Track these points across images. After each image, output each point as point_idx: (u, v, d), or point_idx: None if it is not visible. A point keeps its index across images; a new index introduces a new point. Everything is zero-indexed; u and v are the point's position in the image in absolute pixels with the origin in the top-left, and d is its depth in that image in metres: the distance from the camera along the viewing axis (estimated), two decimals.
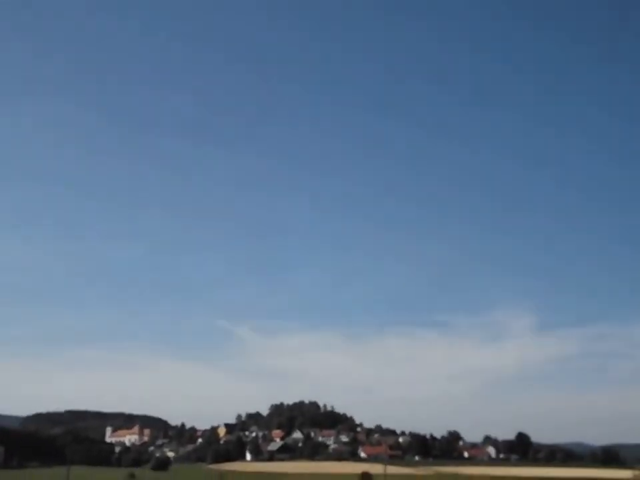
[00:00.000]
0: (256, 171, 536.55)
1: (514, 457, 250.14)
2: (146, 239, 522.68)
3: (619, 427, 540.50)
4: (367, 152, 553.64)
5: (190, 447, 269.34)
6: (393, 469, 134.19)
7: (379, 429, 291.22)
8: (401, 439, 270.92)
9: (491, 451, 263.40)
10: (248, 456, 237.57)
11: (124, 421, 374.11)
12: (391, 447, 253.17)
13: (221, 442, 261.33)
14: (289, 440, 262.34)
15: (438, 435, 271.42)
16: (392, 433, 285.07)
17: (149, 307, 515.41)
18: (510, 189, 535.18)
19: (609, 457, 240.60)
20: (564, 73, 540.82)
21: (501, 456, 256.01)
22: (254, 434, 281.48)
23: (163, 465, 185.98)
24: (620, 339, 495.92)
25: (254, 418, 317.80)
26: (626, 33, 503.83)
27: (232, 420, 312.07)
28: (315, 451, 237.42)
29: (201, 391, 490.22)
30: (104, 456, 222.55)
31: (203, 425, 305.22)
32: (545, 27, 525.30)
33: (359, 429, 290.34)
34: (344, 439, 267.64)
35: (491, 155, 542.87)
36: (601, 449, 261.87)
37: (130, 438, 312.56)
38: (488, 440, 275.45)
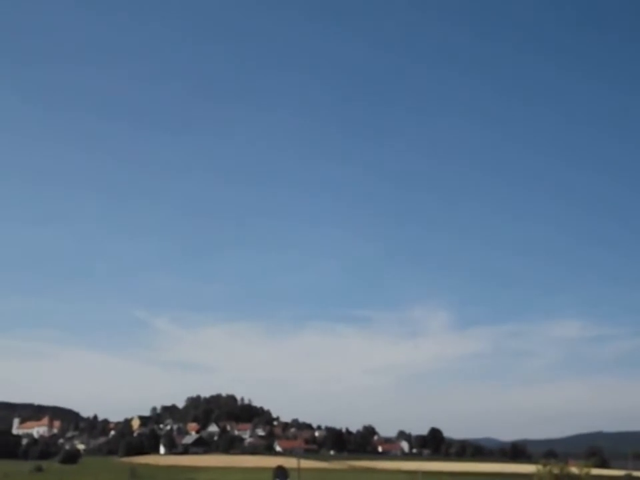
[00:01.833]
0: (184, 157, 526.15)
1: (426, 451, 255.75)
2: (62, 222, 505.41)
3: (527, 423, 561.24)
4: (300, 151, 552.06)
5: (102, 440, 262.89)
6: (307, 463, 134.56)
7: (295, 422, 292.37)
8: (317, 433, 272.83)
9: (404, 445, 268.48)
10: (162, 449, 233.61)
11: (33, 411, 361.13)
12: (306, 441, 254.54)
13: (134, 434, 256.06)
14: (204, 433, 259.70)
15: (354, 429, 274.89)
16: (308, 427, 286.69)
17: (63, 294, 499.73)
18: (431, 187, 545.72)
19: (517, 451, 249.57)
20: None
21: (414, 450, 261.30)
22: (169, 427, 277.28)
23: (72, 457, 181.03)
24: (532, 337, 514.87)
25: (169, 410, 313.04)
26: None
27: (146, 412, 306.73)
28: (230, 445, 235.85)
29: (116, 382, 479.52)
30: (10, 448, 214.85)
31: (116, 417, 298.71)
32: None
33: (275, 423, 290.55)
34: (260, 432, 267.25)
35: (416, 151, 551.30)
36: (510, 444, 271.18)
37: (39, 429, 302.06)
38: (402, 435, 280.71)
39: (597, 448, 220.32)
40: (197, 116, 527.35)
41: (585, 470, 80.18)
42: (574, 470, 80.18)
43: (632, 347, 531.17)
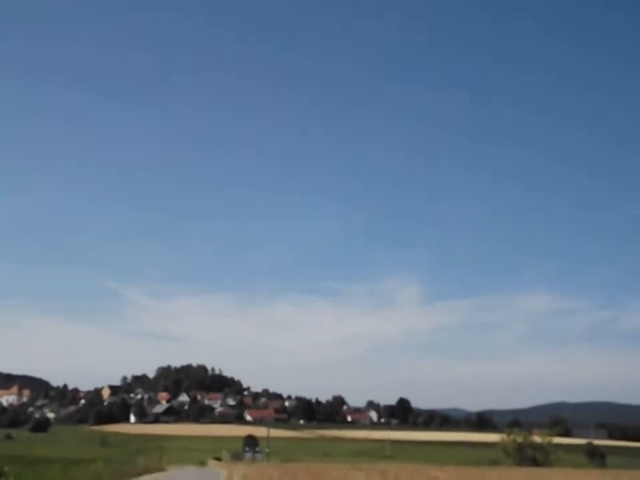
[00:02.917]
0: (154, 126, 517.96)
1: (394, 421, 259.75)
2: (31, 191, 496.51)
3: (493, 394, 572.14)
4: (274, 120, 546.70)
5: (72, 409, 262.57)
6: (276, 432, 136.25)
7: (265, 392, 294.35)
8: (287, 403, 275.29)
9: (373, 415, 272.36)
10: (132, 418, 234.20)
11: (2, 380, 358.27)
12: (276, 411, 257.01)
13: (105, 404, 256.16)
14: (174, 403, 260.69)
15: (323, 399, 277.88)
16: (278, 397, 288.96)
17: (31, 263, 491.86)
18: (399, 168, 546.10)
19: (483, 421, 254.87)
20: None
21: (382, 420, 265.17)
22: (139, 396, 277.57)
23: (42, 426, 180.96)
24: (500, 310, 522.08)
25: (140, 380, 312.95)
26: None
27: (117, 382, 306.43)
28: (200, 414, 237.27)
29: (86, 352, 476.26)
30: None
31: (86, 386, 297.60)
32: None
33: (245, 393, 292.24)
34: (230, 402, 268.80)
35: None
36: (476, 414, 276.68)
37: (7, 398, 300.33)
38: (371, 405, 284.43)
39: (560, 418, 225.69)
40: (167, 85, 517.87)
41: (548, 439, 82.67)
42: (537, 439, 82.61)
43: (596, 320, 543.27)
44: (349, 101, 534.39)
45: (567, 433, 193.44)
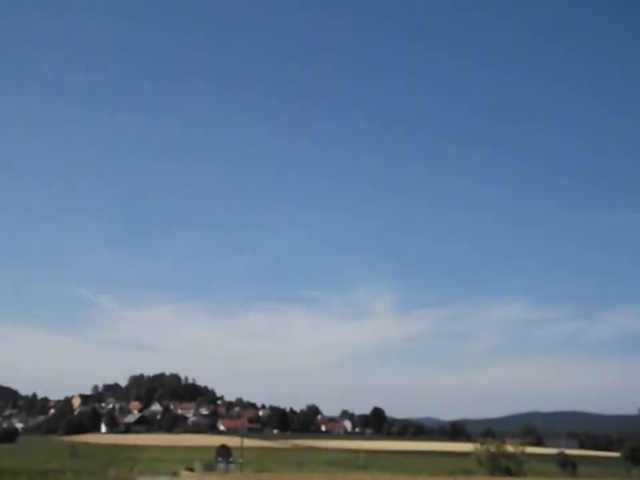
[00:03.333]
0: (121, 133, 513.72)
1: (369, 430, 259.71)
2: (4, 200, 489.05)
3: (466, 403, 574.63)
4: (245, 128, 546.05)
5: (41, 418, 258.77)
6: (250, 442, 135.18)
7: (239, 402, 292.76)
8: (261, 413, 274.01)
9: (347, 424, 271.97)
10: (103, 428, 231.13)
11: None
12: (250, 420, 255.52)
13: (75, 413, 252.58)
14: (147, 412, 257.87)
15: (298, 408, 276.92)
16: (252, 406, 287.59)
17: (2, 270, 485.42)
18: (374, 176, 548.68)
19: (457, 431, 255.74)
20: None
21: (357, 430, 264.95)
22: (110, 405, 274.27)
23: (9, 436, 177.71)
24: (473, 319, 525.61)
25: (111, 389, 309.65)
26: None
27: (88, 391, 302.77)
28: (173, 424, 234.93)
29: (56, 360, 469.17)
30: None
31: (56, 395, 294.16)
32: None
33: (219, 402, 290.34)
34: (204, 411, 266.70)
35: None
36: (450, 423, 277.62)
37: None
38: (345, 414, 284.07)
39: (532, 427, 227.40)
40: (138, 95, 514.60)
41: (521, 448, 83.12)
42: (510, 448, 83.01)
43: (567, 329, 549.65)
44: (321, 106, 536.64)
45: (539, 443, 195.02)
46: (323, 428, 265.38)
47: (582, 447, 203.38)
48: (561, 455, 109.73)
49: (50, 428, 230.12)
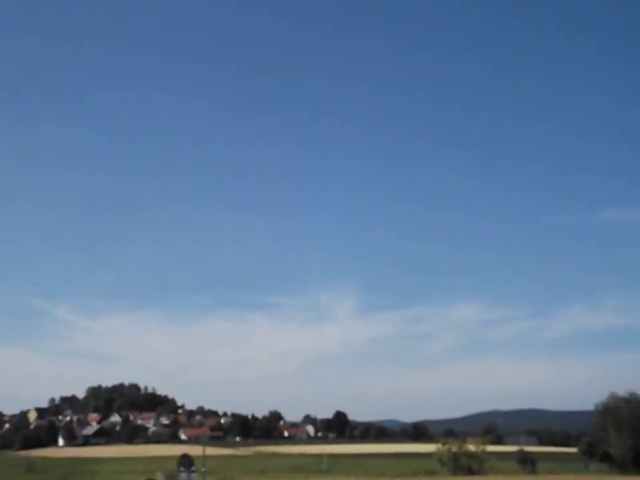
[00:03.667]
0: (83, 146, 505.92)
1: (331, 434, 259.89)
2: None
3: (428, 404, 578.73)
4: (197, 135, 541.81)
5: None
6: (212, 450, 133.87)
7: (201, 410, 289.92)
8: (222, 420, 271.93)
9: (310, 429, 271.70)
10: (60, 441, 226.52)
11: None
12: (212, 428, 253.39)
13: (31, 427, 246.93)
14: (105, 424, 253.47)
15: (260, 415, 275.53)
16: (214, 414, 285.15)
17: None
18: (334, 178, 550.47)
19: (419, 432, 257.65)
20: None
21: (319, 434, 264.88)
22: (68, 418, 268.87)
23: None
24: (433, 320, 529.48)
25: (69, 401, 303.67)
26: None
27: (44, 404, 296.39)
28: (133, 435, 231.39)
29: (11, 374, 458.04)
30: None
31: (11, 409, 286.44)
32: None
33: (180, 411, 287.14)
34: (164, 421, 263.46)
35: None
36: (412, 425, 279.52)
37: None
38: (307, 419, 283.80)
39: (492, 426, 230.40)
40: (92, 104, 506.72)
41: (482, 447, 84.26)
42: (471, 447, 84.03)
43: (525, 328, 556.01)
44: (280, 112, 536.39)
45: (499, 441, 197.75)
46: (286, 433, 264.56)
47: (541, 443, 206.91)
48: (521, 452, 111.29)
49: (5, 443, 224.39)
